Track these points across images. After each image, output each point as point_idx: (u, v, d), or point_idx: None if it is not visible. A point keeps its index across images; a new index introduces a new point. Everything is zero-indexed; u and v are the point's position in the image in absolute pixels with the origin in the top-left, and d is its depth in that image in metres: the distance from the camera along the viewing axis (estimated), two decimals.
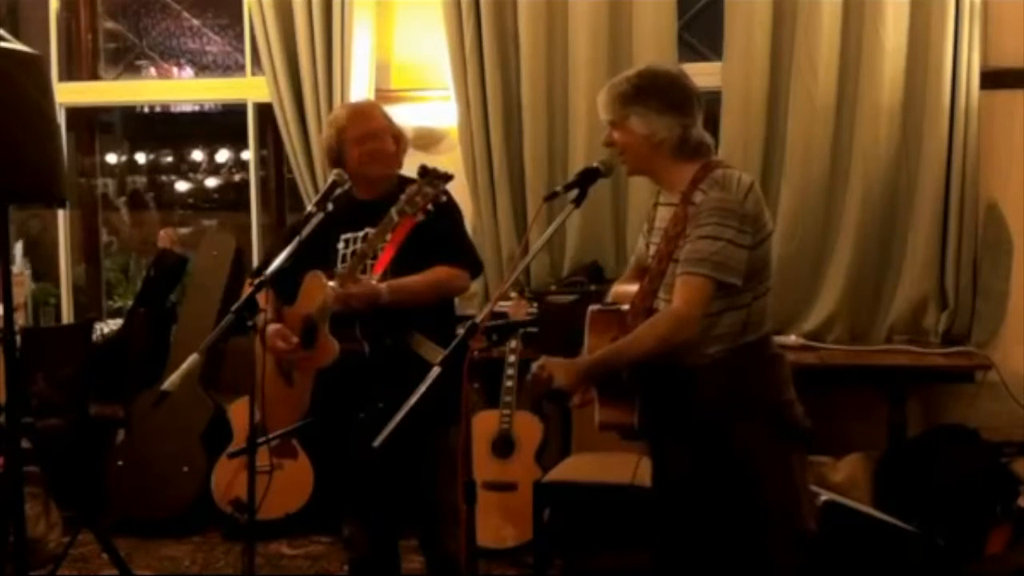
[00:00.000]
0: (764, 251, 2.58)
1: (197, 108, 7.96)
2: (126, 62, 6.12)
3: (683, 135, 2.59)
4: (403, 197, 2.93)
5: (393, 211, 2.93)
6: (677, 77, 2.66)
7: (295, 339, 3.03)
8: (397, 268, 3.01)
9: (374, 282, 2.99)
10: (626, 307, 2.64)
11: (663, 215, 2.66)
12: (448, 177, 2.98)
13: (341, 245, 3.14)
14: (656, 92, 2.59)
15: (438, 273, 3.08)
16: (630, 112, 2.60)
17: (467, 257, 3.20)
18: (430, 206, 2.92)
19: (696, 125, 2.62)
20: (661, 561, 2.82)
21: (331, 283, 2.98)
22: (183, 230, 7.62)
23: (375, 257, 2.98)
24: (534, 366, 2.53)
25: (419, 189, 2.93)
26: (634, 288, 2.67)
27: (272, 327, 2.99)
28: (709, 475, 2.58)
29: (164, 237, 5.60)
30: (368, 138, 3.14)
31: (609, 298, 2.80)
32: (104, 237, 7.19)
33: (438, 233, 3.03)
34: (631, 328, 2.54)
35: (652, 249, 2.67)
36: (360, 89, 4.84)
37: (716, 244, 2.47)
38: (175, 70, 6.24)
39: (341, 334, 2.99)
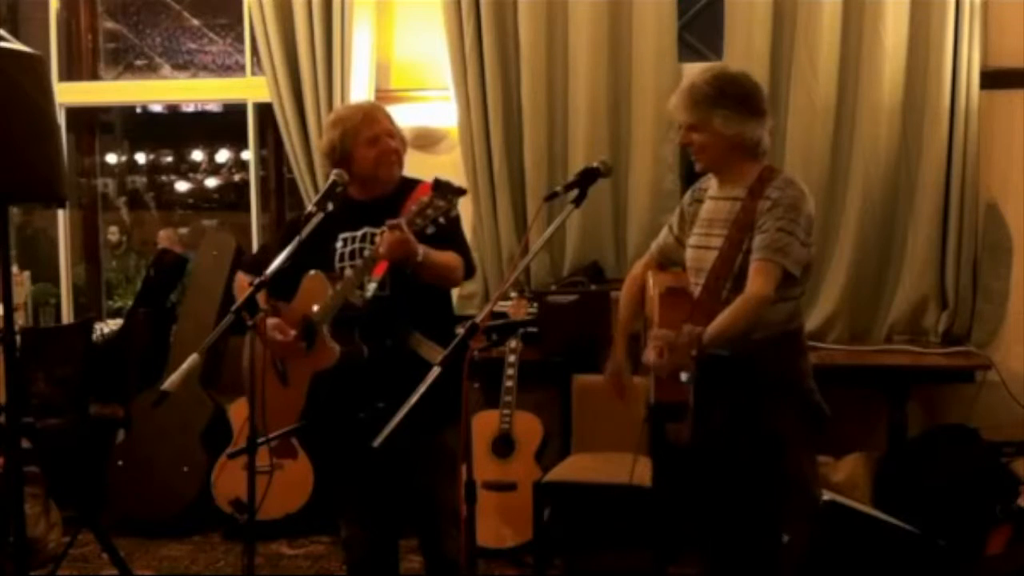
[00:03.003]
0: (813, 252, 2.86)
1: (197, 108, 7.96)
2: (126, 62, 6.12)
3: (762, 137, 2.82)
4: (414, 208, 2.92)
5: (403, 222, 2.91)
6: (754, 83, 2.86)
7: (292, 331, 3.03)
8: (397, 272, 3.02)
9: (374, 284, 2.99)
10: (695, 288, 2.82)
11: (718, 207, 2.86)
12: (461, 192, 2.97)
13: (339, 244, 3.14)
14: (740, 96, 2.78)
15: (451, 256, 3.08)
16: (716, 114, 2.77)
17: (466, 256, 3.20)
18: (441, 219, 2.92)
19: (768, 128, 2.85)
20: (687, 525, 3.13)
21: (328, 284, 3.00)
22: (183, 230, 7.61)
23: (376, 261, 2.99)
24: (685, 329, 2.64)
25: (431, 202, 2.92)
26: (665, 275, 2.95)
27: (271, 321, 2.98)
28: (744, 445, 2.78)
29: (164, 237, 5.59)
30: (381, 139, 3.15)
31: (652, 283, 2.96)
32: (115, 237, 7.20)
33: (439, 234, 3.02)
34: (706, 308, 2.72)
35: (696, 239, 2.88)
36: (360, 89, 4.84)
37: (789, 237, 2.71)
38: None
39: (340, 337, 2.99)
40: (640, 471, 3.17)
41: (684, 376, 2.65)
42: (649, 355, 2.70)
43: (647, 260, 3.09)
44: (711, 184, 2.93)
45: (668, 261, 3.04)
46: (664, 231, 3.07)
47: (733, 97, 2.77)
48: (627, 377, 3.03)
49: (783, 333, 2.80)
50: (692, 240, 2.92)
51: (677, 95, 2.84)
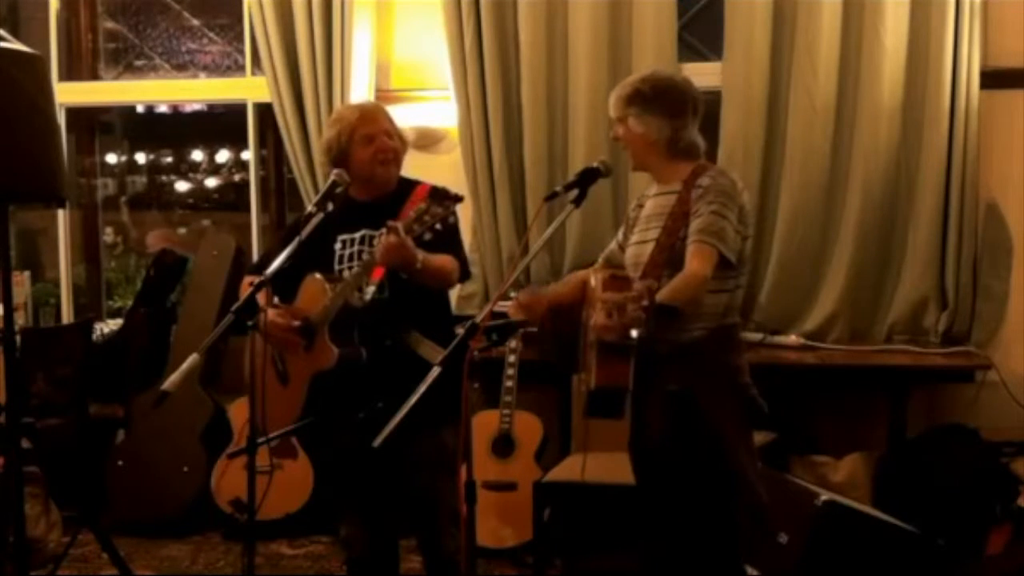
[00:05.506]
0: (748, 246, 2.87)
1: (197, 108, 7.95)
2: (126, 62, 6.12)
3: (672, 137, 2.86)
4: (411, 215, 2.93)
5: (400, 228, 2.91)
6: (677, 84, 2.94)
7: (296, 322, 3.03)
8: (395, 275, 3.02)
9: (372, 288, 3.00)
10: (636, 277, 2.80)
11: (658, 203, 2.89)
12: (458, 199, 2.98)
13: (338, 246, 3.14)
14: (653, 96, 2.86)
15: (447, 260, 3.09)
16: (629, 112, 2.86)
17: (462, 261, 3.20)
18: (438, 225, 2.93)
19: (687, 128, 2.88)
20: (643, 528, 3.02)
21: (328, 286, 3.00)
22: (182, 230, 7.61)
23: (374, 265, 2.99)
24: (636, 284, 2.59)
25: (428, 209, 2.92)
26: (609, 270, 2.90)
27: (272, 310, 2.96)
28: (683, 442, 2.78)
29: (157, 237, 5.57)
30: (379, 137, 3.15)
31: (595, 279, 2.90)
32: (110, 239, 7.19)
33: (436, 239, 3.02)
34: None
35: (636, 237, 2.91)
36: (360, 89, 4.84)
37: (723, 221, 2.74)
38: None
39: (339, 339, 2.99)
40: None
41: (635, 333, 2.51)
42: (598, 319, 2.54)
43: (595, 268, 3.07)
44: (652, 187, 2.98)
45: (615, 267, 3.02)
46: (612, 242, 3.10)
47: (647, 97, 2.85)
48: (540, 302, 2.96)
49: (719, 327, 2.81)
50: (632, 239, 2.94)
51: (612, 93, 2.95)
